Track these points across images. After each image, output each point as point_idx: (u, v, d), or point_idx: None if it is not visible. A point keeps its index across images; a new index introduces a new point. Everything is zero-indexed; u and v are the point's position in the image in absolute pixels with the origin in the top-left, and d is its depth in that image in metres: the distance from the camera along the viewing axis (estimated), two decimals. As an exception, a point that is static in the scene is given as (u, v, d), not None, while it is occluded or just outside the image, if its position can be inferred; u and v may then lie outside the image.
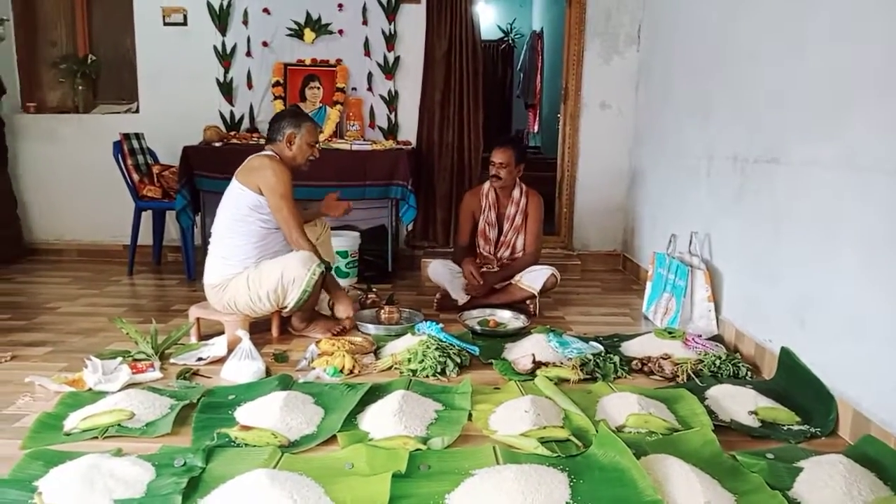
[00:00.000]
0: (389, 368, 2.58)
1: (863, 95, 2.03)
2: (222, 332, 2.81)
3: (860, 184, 2.02)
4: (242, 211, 2.80)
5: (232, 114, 4.63)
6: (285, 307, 2.84)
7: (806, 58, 2.36)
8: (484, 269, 3.53)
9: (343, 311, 2.97)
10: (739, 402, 2.20)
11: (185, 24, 4.57)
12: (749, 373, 2.54)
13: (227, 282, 2.80)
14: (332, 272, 3.16)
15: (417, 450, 1.86)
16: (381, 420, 2.02)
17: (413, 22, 4.55)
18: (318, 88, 4.56)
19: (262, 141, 4.26)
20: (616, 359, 2.60)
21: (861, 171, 2.02)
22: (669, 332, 2.80)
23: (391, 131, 4.67)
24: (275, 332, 2.98)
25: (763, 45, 2.69)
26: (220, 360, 2.59)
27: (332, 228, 3.44)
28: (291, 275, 2.73)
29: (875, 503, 1.58)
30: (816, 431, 2.05)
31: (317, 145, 2.98)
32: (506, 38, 9.22)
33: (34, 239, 4.85)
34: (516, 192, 3.56)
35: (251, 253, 2.82)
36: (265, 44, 4.55)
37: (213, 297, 2.85)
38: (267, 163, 2.80)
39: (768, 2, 2.66)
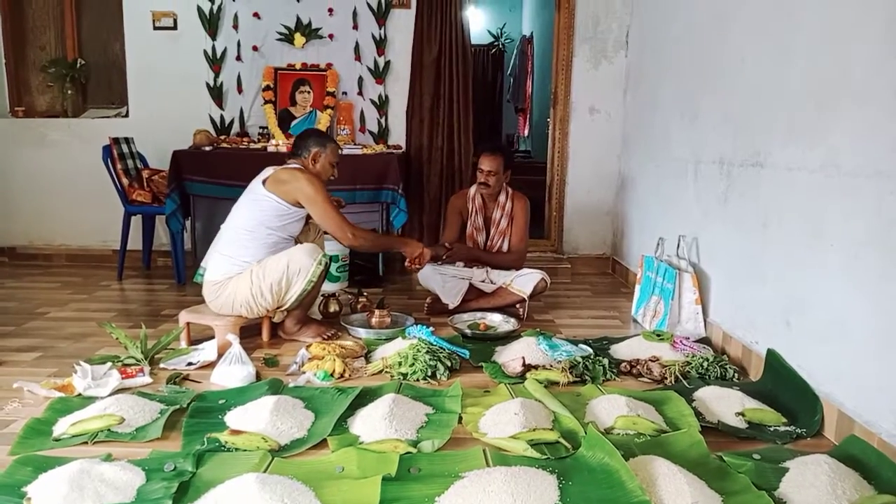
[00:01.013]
0: (380, 372, 2.58)
1: (846, 101, 2.06)
2: (212, 337, 2.80)
3: (843, 187, 2.05)
4: (263, 217, 2.84)
5: (222, 118, 4.63)
6: (283, 304, 2.85)
7: (791, 64, 2.39)
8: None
9: (415, 246, 3.16)
10: (726, 404, 2.22)
11: (174, 28, 4.57)
12: (736, 375, 2.57)
13: (228, 280, 2.81)
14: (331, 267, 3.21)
15: (408, 453, 1.87)
16: (372, 423, 2.02)
17: (403, 26, 4.57)
18: (309, 93, 4.57)
19: (253, 145, 4.30)
20: (605, 361, 2.62)
21: (844, 175, 2.05)
22: (658, 335, 2.82)
23: (381, 135, 4.68)
24: (265, 336, 2.98)
25: (749, 51, 2.72)
26: (210, 365, 2.59)
27: (325, 233, 3.44)
28: (297, 265, 2.76)
29: (859, 502, 1.60)
30: (802, 432, 2.08)
31: (336, 167, 3.06)
32: (496, 43, 9.27)
33: (23, 244, 4.83)
34: (502, 197, 3.59)
35: (259, 256, 2.84)
36: (255, 48, 4.56)
37: (210, 295, 2.85)
38: (299, 175, 2.85)
39: (754, 9, 2.69)
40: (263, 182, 2.87)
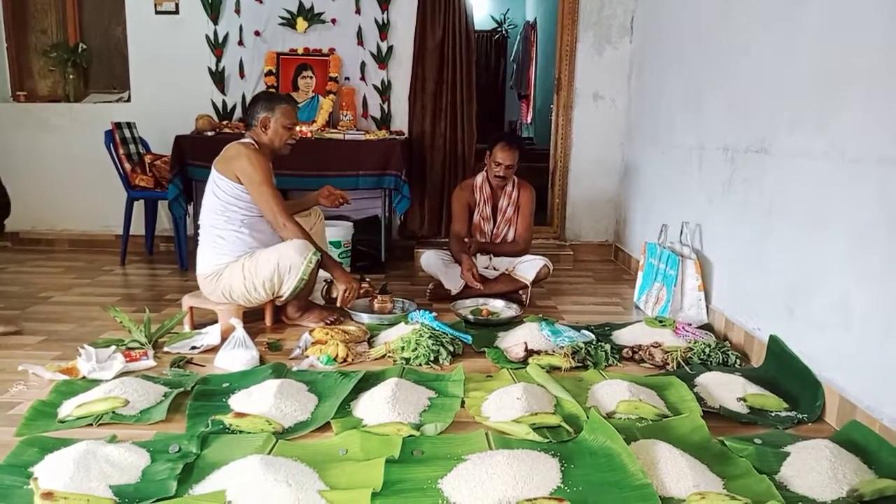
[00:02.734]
0: (383, 357, 2.59)
1: (851, 88, 2.05)
2: (216, 321, 2.81)
3: (848, 174, 2.04)
4: (224, 200, 2.79)
5: (224, 103, 4.62)
6: (280, 296, 2.85)
7: (796, 50, 2.38)
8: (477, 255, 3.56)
9: (346, 280, 2.88)
10: (728, 389, 2.23)
11: (176, 12, 4.55)
12: (738, 360, 2.57)
13: (220, 270, 2.80)
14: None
15: (411, 436, 1.88)
16: (375, 407, 2.03)
17: (406, 11, 4.54)
18: (311, 78, 4.55)
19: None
20: (607, 347, 2.63)
21: (849, 161, 2.04)
22: (660, 321, 2.83)
23: (384, 121, 4.66)
24: (268, 321, 2.99)
25: (755, 37, 2.70)
26: (214, 349, 2.60)
27: (326, 218, 3.44)
28: (287, 263, 2.73)
29: (859, 486, 1.61)
30: (803, 417, 2.09)
31: (295, 127, 2.91)
32: (499, 29, 9.22)
33: (25, 229, 4.83)
34: (509, 186, 3.59)
35: (240, 240, 2.81)
36: (257, 33, 4.54)
37: (207, 288, 2.85)
38: (242, 151, 2.76)
39: (760, -7, 2.67)
40: (216, 163, 2.82)
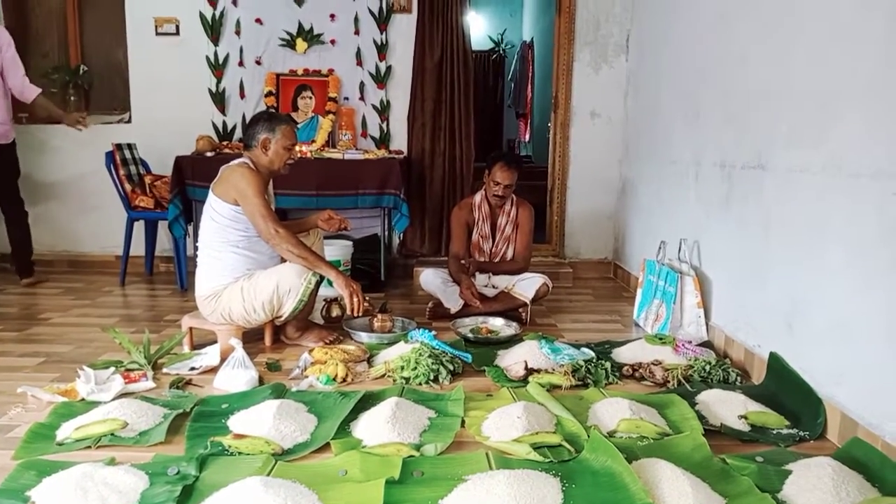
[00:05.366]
0: (382, 376, 2.59)
1: (848, 102, 2.07)
2: (215, 342, 2.81)
3: (846, 189, 2.05)
4: (221, 222, 2.80)
5: (224, 124, 4.65)
6: (280, 317, 2.85)
7: (792, 65, 2.40)
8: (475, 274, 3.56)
9: (346, 282, 2.80)
10: (729, 407, 2.22)
11: (177, 34, 4.60)
12: (738, 378, 2.57)
13: (218, 292, 2.80)
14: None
15: (411, 456, 1.88)
16: (375, 427, 2.02)
17: (405, 32, 4.59)
18: (311, 98, 4.59)
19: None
20: (607, 365, 2.62)
21: (847, 176, 2.05)
22: (660, 339, 2.82)
23: (383, 140, 4.69)
24: (267, 341, 2.99)
25: (750, 53, 2.73)
26: (213, 370, 2.59)
27: (325, 237, 3.45)
28: (287, 286, 2.74)
29: (863, 503, 1.60)
30: (805, 435, 2.08)
31: (294, 147, 2.92)
32: (496, 49, 9.30)
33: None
34: (507, 204, 3.60)
35: (238, 262, 2.82)
36: (258, 62, 4.58)
37: (206, 309, 2.84)
38: (236, 170, 2.77)
39: (756, 11, 2.70)
40: (213, 186, 2.82)
